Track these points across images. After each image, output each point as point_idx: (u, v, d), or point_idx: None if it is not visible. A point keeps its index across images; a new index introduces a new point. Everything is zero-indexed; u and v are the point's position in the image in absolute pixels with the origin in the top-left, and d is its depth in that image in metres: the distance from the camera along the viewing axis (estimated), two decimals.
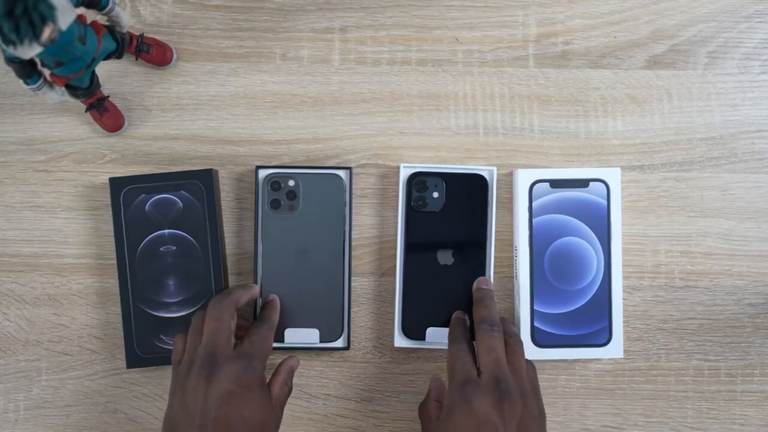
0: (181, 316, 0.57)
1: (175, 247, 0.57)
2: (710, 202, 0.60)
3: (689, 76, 0.61)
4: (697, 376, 0.60)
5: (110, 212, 0.57)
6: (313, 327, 0.57)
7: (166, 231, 0.57)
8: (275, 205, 0.57)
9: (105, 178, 0.59)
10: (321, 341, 0.57)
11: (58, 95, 0.51)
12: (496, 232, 0.59)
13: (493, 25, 0.61)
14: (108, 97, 0.58)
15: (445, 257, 0.57)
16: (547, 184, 0.59)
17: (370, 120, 0.60)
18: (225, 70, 0.60)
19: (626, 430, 0.60)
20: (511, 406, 0.46)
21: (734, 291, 0.60)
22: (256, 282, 0.57)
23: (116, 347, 0.59)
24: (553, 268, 0.59)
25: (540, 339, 0.58)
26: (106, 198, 0.59)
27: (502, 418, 0.46)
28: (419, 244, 0.58)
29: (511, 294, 0.60)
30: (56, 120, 0.60)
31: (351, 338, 0.59)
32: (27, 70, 0.48)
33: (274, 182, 0.57)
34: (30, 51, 0.41)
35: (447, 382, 0.50)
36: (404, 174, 0.58)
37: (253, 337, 0.51)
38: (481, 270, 0.57)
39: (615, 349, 0.58)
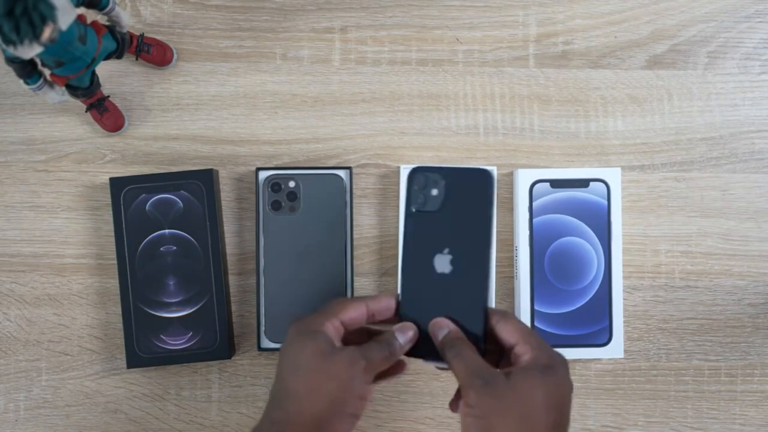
0: (181, 316, 0.57)
1: (175, 247, 0.57)
2: (710, 202, 0.60)
3: (689, 76, 0.61)
4: (698, 376, 0.60)
5: (110, 212, 0.57)
6: None
7: (167, 231, 0.57)
8: (276, 206, 0.57)
9: (105, 178, 0.59)
10: None
11: (59, 95, 0.51)
12: (497, 232, 0.58)
13: (493, 25, 0.61)
14: (108, 97, 0.58)
15: (443, 259, 0.56)
16: (548, 184, 0.59)
17: (371, 120, 0.60)
18: (225, 70, 0.60)
19: (626, 430, 0.60)
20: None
21: (734, 291, 0.60)
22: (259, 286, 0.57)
23: (116, 347, 0.59)
24: (553, 268, 0.59)
25: None
26: (107, 198, 0.59)
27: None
28: (418, 244, 0.57)
29: (511, 294, 0.60)
30: (56, 120, 0.60)
31: None
32: (27, 70, 0.48)
33: (275, 184, 0.57)
34: (30, 51, 0.41)
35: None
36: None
37: None
38: (484, 272, 0.55)
39: (615, 349, 0.58)
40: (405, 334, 0.47)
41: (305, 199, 0.57)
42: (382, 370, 0.46)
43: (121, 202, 0.57)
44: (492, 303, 0.58)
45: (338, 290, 0.57)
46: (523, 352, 0.45)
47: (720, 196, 0.60)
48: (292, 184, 0.57)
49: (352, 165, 0.59)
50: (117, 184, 0.57)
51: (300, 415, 0.44)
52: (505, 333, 0.46)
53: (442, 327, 0.47)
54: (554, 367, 0.44)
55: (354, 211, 0.59)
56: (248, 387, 0.59)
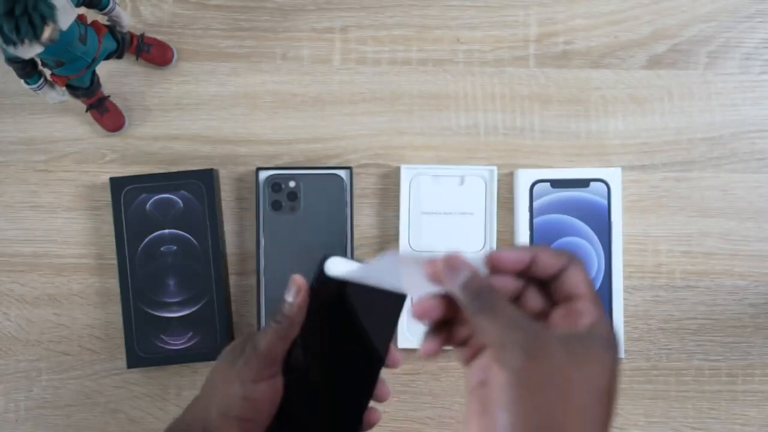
0: (181, 316, 0.57)
1: (175, 247, 0.57)
2: (711, 201, 0.60)
3: (690, 76, 0.61)
4: (698, 376, 0.60)
5: (111, 212, 0.57)
6: None
7: (167, 231, 0.57)
8: (276, 206, 0.57)
9: (105, 178, 0.59)
10: None
11: (59, 95, 0.51)
12: (498, 231, 0.58)
13: (494, 24, 0.61)
14: (108, 96, 0.58)
15: None
16: (548, 184, 0.59)
17: (371, 120, 0.60)
18: (225, 69, 0.60)
19: (627, 430, 0.60)
20: None
21: (735, 291, 0.60)
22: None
23: (116, 347, 0.59)
24: None
25: None
26: (107, 198, 0.59)
27: None
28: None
29: None
30: (57, 120, 0.60)
31: None
32: (27, 70, 0.48)
33: (275, 183, 0.57)
34: (30, 51, 0.41)
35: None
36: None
37: None
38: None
39: None
40: (291, 290, 0.39)
41: (306, 199, 0.57)
42: (280, 351, 0.39)
43: (122, 202, 0.57)
44: None
45: None
46: (586, 313, 0.33)
47: (720, 196, 0.60)
48: (292, 184, 0.57)
49: (352, 165, 0.59)
50: (117, 184, 0.57)
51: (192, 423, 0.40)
52: (572, 279, 0.33)
53: (458, 269, 0.34)
54: (616, 346, 0.33)
55: (354, 210, 0.58)
56: None
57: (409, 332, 0.58)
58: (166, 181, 0.57)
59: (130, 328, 0.57)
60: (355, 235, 0.59)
